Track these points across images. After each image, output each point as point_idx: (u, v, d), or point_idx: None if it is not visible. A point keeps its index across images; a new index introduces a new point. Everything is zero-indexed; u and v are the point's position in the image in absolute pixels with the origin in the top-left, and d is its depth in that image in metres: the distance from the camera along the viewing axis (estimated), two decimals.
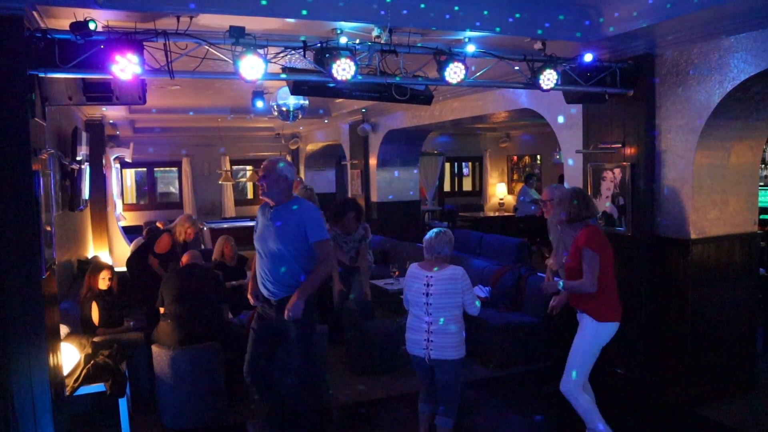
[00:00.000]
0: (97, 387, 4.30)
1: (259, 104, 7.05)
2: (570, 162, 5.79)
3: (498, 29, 4.43)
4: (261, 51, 3.82)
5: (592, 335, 3.92)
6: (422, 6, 4.18)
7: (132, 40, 3.55)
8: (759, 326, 5.54)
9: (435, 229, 3.93)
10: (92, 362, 4.38)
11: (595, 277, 3.80)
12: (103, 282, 5.18)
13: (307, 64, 4.17)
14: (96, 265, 5.40)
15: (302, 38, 4.00)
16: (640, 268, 4.89)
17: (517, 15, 4.44)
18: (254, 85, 6.65)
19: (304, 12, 3.91)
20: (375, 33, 4.20)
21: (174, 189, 14.20)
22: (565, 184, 5.71)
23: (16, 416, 3.46)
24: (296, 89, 4.53)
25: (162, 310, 4.81)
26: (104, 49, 3.52)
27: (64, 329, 4.61)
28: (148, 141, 12.16)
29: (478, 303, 3.85)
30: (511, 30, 4.47)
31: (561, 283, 4.03)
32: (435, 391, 3.95)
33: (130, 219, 12.28)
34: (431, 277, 3.79)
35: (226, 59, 3.92)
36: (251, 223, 10.09)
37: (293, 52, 4.05)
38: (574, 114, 5.65)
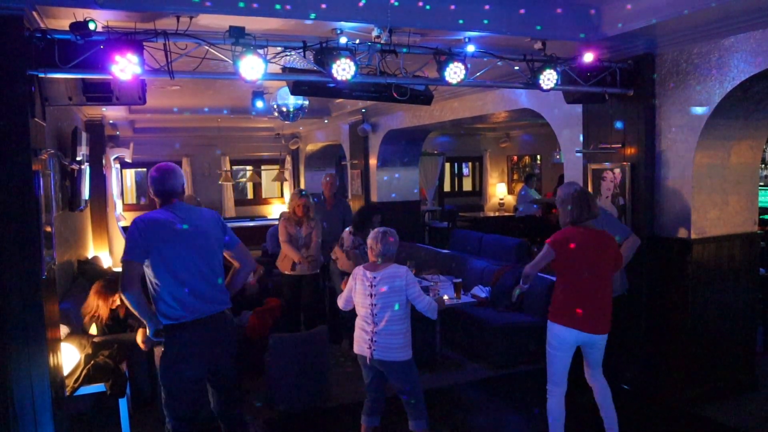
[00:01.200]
0: (97, 387, 4.30)
1: (259, 104, 7.04)
2: (570, 162, 5.79)
3: (498, 29, 4.42)
4: (261, 51, 3.82)
5: (547, 333, 3.94)
6: (422, 6, 4.18)
7: (132, 40, 3.55)
8: (759, 326, 5.54)
9: (380, 229, 3.94)
10: (92, 362, 4.38)
11: (536, 265, 3.89)
12: (113, 304, 4.89)
13: (307, 64, 4.17)
14: (109, 286, 4.92)
15: (302, 39, 4.00)
16: (640, 268, 4.89)
17: (517, 15, 4.44)
18: (254, 85, 6.65)
19: (313, 15, 3.93)
20: (375, 33, 4.20)
21: None
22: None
23: (16, 416, 3.46)
24: (296, 89, 4.53)
25: None
26: (104, 50, 3.52)
27: (64, 329, 4.60)
28: (148, 141, 12.14)
29: (428, 303, 3.84)
30: (511, 30, 4.46)
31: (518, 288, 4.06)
32: (380, 403, 4.00)
33: (130, 219, 12.25)
34: (375, 277, 3.81)
35: (226, 59, 3.92)
36: (251, 223, 9.96)
37: (293, 52, 4.05)
38: (574, 114, 5.65)
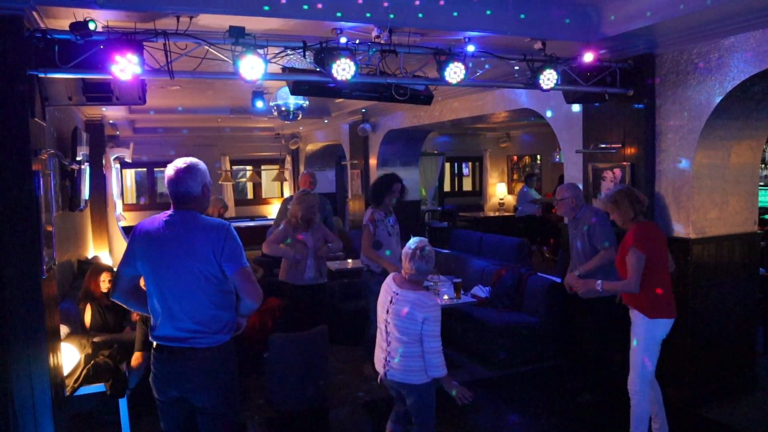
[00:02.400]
0: (97, 387, 4.30)
1: (259, 104, 7.04)
2: (570, 162, 5.79)
3: (498, 29, 4.42)
4: (261, 51, 3.82)
5: (644, 333, 3.85)
6: (422, 6, 4.18)
7: (132, 40, 3.55)
8: (759, 326, 5.54)
9: (418, 245, 3.45)
10: (92, 362, 4.38)
11: (638, 278, 3.77)
12: (103, 285, 5.11)
13: (307, 64, 4.17)
14: (96, 267, 5.32)
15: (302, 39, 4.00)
16: None
17: (517, 15, 4.44)
18: (254, 85, 6.65)
19: (305, 7, 3.90)
20: (375, 33, 4.20)
21: None
22: (580, 185, 5.59)
23: (16, 416, 3.46)
24: (296, 89, 4.53)
25: None
26: (104, 50, 3.52)
27: (64, 329, 4.61)
28: (148, 141, 12.15)
29: (438, 360, 3.34)
30: (511, 30, 4.46)
31: (600, 284, 3.95)
32: (405, 413, 3.68)
33: (130, 219, 12.26)
34: (397, 294, 3.46)
35: (226, 59, 3.92)
36: (251, 223, 9.94)
37: (293, 52, 4.05)
38: (574, 114, 5.65)
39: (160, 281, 2.81)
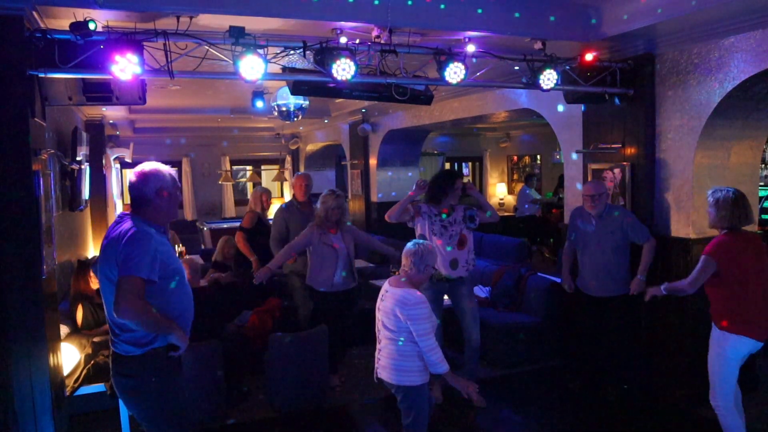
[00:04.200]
0: (97, 387, 4.30)
1: (259, 104, 7.05)
2: (570, 162, 5.79)
3: (498, 29, 4.42)
4: (261, 51, 3.82)
5: (716, 345, 3.76)
6: (422, 6, 4.18)
7: (132, 40, 3.55)
8: None
9: (420, 247, 3.47)
10: (92, 362, 4.38)
11: (696, 280, 3.70)
12: (92, 282, 5.04)
13: (307, 64, 4.17)
14: (81, 265, 5.20)
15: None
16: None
17: (517, 15, 4.44)
18: (254, 85, 6.65)
19: (305, 7, 3.90)
20: (375, 33, 4.20)
21: None
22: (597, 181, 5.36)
23: (16, 416, 3.46)
24: (296, 89, 4.53)
25: None
26: (104, 50, 3.52)
27: (64, 329, 4.61)
28: (148, 141, 12.15)
29: (435, 358, 3.28)
30: (511, 30, 4.46)
31: (664, 287, 3.92)
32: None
33: None
34: (386, 291, 3.46)
35: (226, 59, 3.92)
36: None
37: (293, 52, 4.05)
38: (574, 114, 5.65)
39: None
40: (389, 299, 3.41)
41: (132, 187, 2.81)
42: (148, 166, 2.84)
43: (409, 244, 3.49)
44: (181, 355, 2.83)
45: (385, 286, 3.53)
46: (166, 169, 2.89)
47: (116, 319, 2.65)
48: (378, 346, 3.54)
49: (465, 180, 4.91)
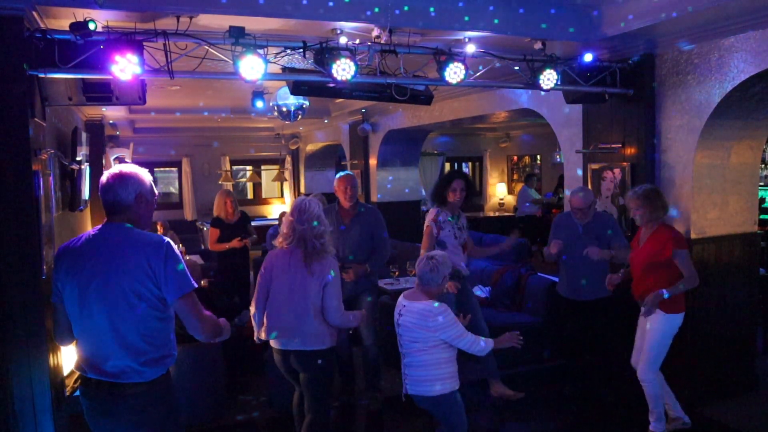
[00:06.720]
0: None
1: (259, 104, 7.04)
2: (570, 162, 5.79)
3: (498, 29, 4.42)
4: (261, 51, 3.82)
5: (664, 327, 4.13)
6: (422, 6, 4.18)
7: (132, 41, 3.55)
8: (759, 326, 5.54)
9: (428, 253, 3.50)
10: None
11: (694, 271, 4.09)
12: None
13: (307, 64, 4.17)
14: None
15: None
16: None
17: (518, 14, 4.44)
18: (254, 85, 6.65)
19: (305, 7, 3.90)
20: (375, 33, 4.20)
21: (174, 189, 14.17)
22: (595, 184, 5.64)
23: (16, 416, 3.45)
24: (296, 89, 4.53)
25: None
26: (104, 50, 3.52)
27: None
28: (148, 141, 12.14)
29: (469, 343, 3.34)
30: (511, 30, 4.47)
31: (666, 292, 4.03)
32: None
33: None
34: (404, 306, 3.44)
35: (226, 59, 3.92)
36: (251, 223, 9.87)
37: (293, 52, 4.05)
38: (574, 114, 5.65)
39: (84, 305, 2.43)
40: (409, 315, 3.39)
41: (106, 189, 2.48)
42: (126, 168, 2.56)
43: (423, 264, 3.42)
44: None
45: (402, 300, 3.50)
46: (146, 173, 2.61)
47: (142, 344, 2.42)
48: (403, 361, 3.49)
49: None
